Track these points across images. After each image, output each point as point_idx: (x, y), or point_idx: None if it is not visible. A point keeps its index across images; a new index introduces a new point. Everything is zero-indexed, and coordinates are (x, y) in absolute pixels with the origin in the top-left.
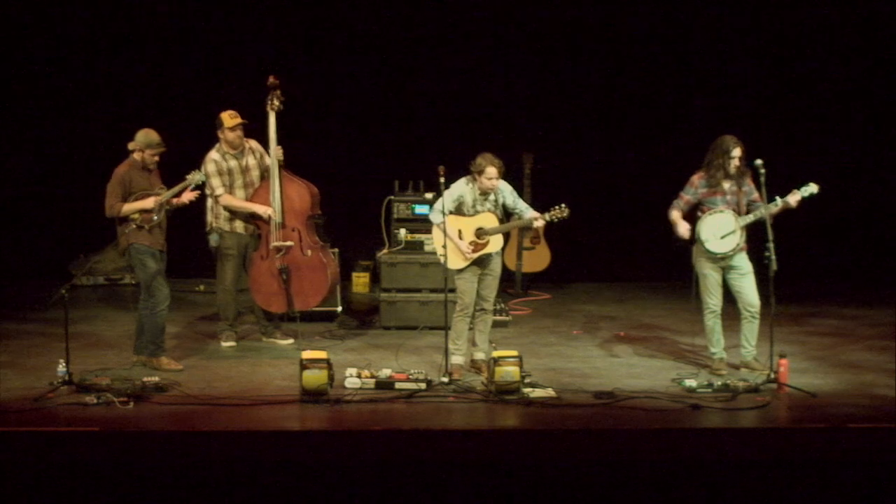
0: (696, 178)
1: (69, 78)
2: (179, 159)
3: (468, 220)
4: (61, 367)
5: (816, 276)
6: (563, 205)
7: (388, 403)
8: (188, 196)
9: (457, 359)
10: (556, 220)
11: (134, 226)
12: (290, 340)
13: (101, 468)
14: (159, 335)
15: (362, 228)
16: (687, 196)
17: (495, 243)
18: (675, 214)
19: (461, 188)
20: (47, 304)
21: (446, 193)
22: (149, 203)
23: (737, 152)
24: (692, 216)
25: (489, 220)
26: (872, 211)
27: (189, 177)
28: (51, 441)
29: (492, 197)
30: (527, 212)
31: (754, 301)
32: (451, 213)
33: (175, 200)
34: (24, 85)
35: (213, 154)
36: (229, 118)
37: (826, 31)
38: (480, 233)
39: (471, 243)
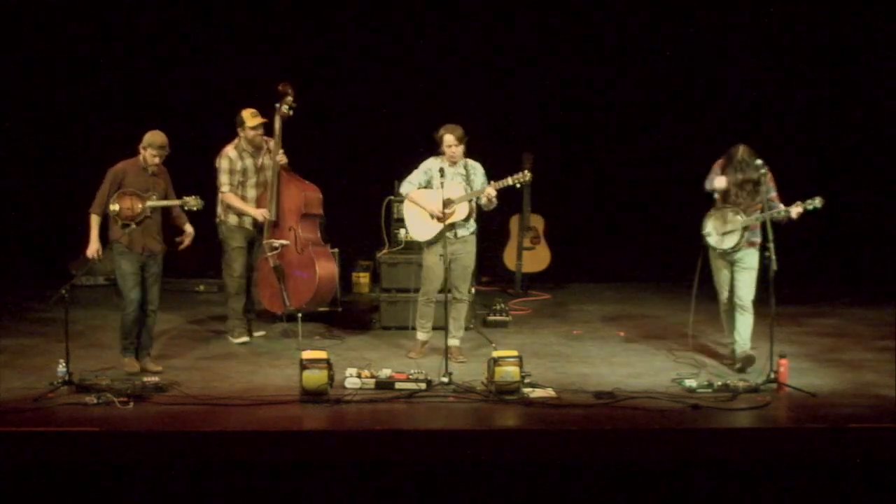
0: (717, 166)
1: (71, 77)
2: (188, 161)
3: (435, 192)
4: (61, 367)
5: (816, 276)
6: (525, 170)
7: (388, 403)
8: (186, 239)
9: (421, 335)
10: (518, 184)
11: (118, 224)
12: (262, 333)
13: (101, 468)
14: (128, 335)
15: (362, 228)
16: (717, 168)
17: (460, 212)
18: (717, 181)
19: (428, 163)
20: (47, 305)
21: (418, 168)
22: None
23: (739, 156)
24: (706, 208)
25: (455, 191)
26: (873, 211)
27: (186, 198)
28: (51, 441)
29: (461, 171)
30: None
31: (743, 295)
32: (422, 186)
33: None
34: (26, 84)
35: (230, 151)
36: (251, 117)
37: (828, 32)
38: (447, 202)
39: (438, 213)
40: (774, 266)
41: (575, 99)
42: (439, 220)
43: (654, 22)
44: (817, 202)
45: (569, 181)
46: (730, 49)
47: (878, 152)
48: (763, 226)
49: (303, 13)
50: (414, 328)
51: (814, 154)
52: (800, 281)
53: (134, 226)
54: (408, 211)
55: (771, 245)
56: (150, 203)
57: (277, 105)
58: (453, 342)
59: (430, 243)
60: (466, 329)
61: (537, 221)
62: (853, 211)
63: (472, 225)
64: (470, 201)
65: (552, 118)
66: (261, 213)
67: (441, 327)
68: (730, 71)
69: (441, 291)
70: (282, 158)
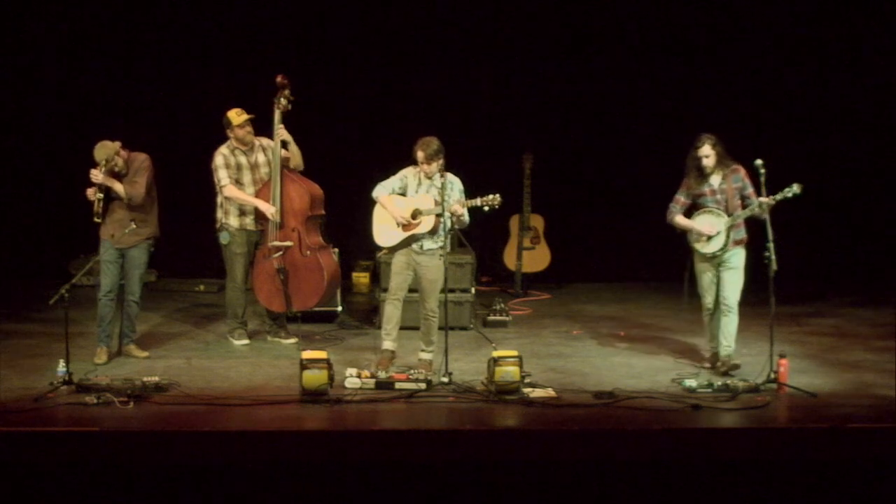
0: (687, 179)
1: (70, 76)
2: (186, 159)
3: (407, 200)
4: (61, 367)
5: (816, 276)
6: (496, 193)
7: (388, 403)
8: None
9: (386, 344)
10: (486, 206)
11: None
12: (294, 340)
13: (101, 468)
14: (100, 322)
15: (362, 228)
16: (681, 198)
17: (425, 224)
18: (678, 219)
19: (406, 170)
20: (47, 304)
21: (395, 175)
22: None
23: (703, 150)
24: (688, 216)
25: (425, 203)
26: (872, 210)
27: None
28: (51, 441)
29: (437, 183)
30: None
31: (729, 295)
32: (396, 193)
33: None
34: (24, 83)
35: (223, 149)
36: (236, 115)
37: (829, 29)
38: (416, 213)
39: (402, 219)
40: (774, 266)
41: (575, 99)
42: (404, 227)
43: (654, 21)
44: (796, 188)
45: (569, 181)
46: (729, 47)
47: (878, 152)
48: (759, 224)
49: (306, 10)
50: (414, 328)
51: (813, 153)
52: (800, 281)
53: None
54: (376, 214)
55: (770, 245)
56: (96, 181)
57: (276, 99)
58: (424, 356)
59: (394, 250)
60: (466, 329)
61: (537, 221)
62: (853, 211)
63: (440, 241)
64: (437, 216)
65: (552, 118)
66: (270, 210)
67: (411, 327)
68: (730, 69)
69: (411, 291)
70: (287, 154)
